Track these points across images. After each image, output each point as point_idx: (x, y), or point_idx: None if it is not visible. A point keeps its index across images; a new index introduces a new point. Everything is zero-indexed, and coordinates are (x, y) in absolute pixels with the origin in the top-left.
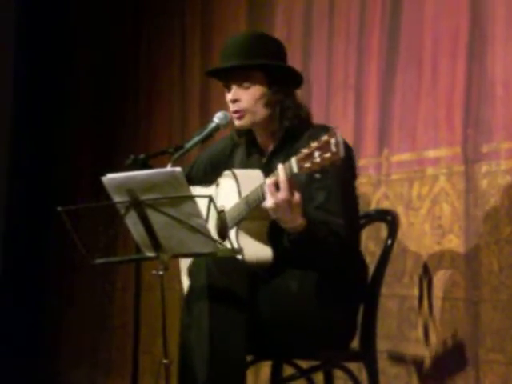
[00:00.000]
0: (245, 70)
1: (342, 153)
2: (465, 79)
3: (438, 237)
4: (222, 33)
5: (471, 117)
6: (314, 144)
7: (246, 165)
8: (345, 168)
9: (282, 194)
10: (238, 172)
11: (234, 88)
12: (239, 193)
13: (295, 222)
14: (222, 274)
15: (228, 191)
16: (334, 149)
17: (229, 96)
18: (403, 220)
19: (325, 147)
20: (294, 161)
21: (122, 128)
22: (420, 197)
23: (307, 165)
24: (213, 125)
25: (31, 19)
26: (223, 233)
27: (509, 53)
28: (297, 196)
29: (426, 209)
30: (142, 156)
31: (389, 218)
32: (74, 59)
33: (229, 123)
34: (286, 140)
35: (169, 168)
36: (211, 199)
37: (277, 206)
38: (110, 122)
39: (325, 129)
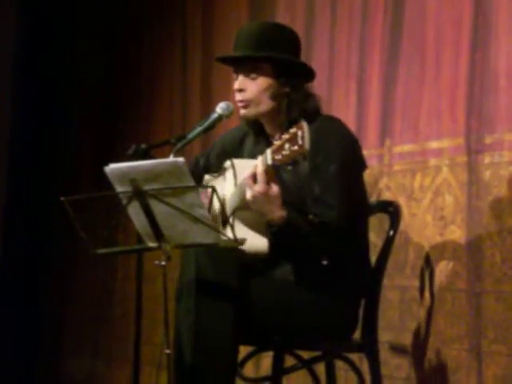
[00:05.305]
0: (253, 60)
1: (306, 145)
2: (468, 69)
3: (440, 228)
4: (223, 23)
5: (474, 107)
6: (285, 136)
7: (253, 154)
8: (348, 160)
9: (259, 187)
10: (237, 161)
11: (241, 77)
12: (235, 182)
13: (273, 213)
14: (211, 264)
15: (228, 180)
16: (299, 141)
17: (235, 85)
18: (405, 211)
19: (293, 140)
20: (268, 152)
21: (123, 117)
22: (422, 188)
23: (278, 157)
24: (215, 115)
25: (33, 12)
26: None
27: None
28: (274, 188)
29: (428, 200)
30: (143, 146)
31: (391, 209)
32: (76, 46)
33: (232, 113)
34: None
35: (171, 158)
36: (214, 190)
37: (254, 198)
38: (112, 112)
39: (327, 120)
